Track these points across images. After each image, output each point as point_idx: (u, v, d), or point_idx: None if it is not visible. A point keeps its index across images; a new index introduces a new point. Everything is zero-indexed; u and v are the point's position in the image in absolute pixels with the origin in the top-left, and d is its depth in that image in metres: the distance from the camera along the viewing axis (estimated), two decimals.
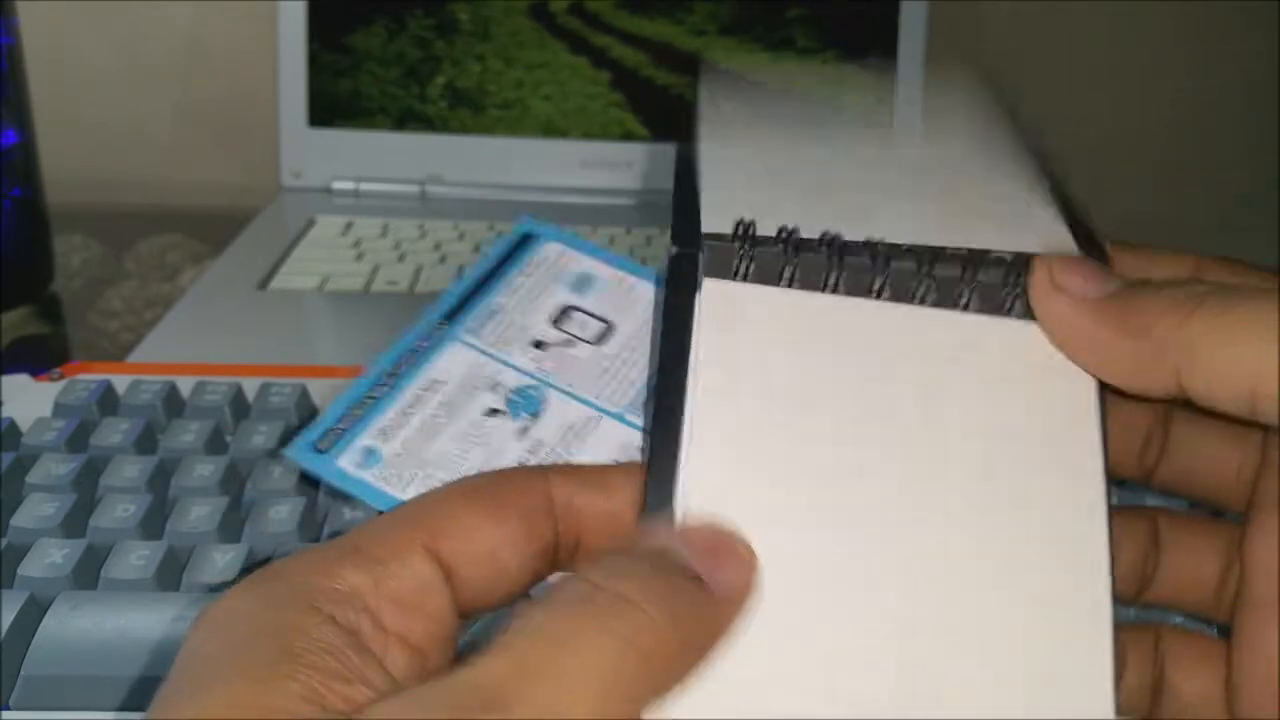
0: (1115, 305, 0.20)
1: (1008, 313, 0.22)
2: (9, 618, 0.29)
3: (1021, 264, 0.22)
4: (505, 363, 0.25)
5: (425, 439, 0.24)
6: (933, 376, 0.22)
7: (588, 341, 0.26)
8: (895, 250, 0.22)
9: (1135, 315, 0.20)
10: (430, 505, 0.20)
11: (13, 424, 0.38)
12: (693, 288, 0.22)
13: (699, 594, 0.17)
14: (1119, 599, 0.20)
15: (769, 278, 0.22)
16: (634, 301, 0.26)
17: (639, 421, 0.24)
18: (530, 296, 0.26)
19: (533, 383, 0.25)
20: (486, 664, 0.16)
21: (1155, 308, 0.20)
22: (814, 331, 0.22)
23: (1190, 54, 0.84)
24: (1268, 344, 0.18)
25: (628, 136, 0.73)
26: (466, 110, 0.73)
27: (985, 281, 0.22)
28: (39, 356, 0.52)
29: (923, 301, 0.22)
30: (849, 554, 0.20)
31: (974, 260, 0.22)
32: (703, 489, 0.20)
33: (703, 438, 0.20)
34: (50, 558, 0.31)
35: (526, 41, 0.73)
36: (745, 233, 0.22)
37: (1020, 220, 0.23)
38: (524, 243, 0.28)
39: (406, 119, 0.73)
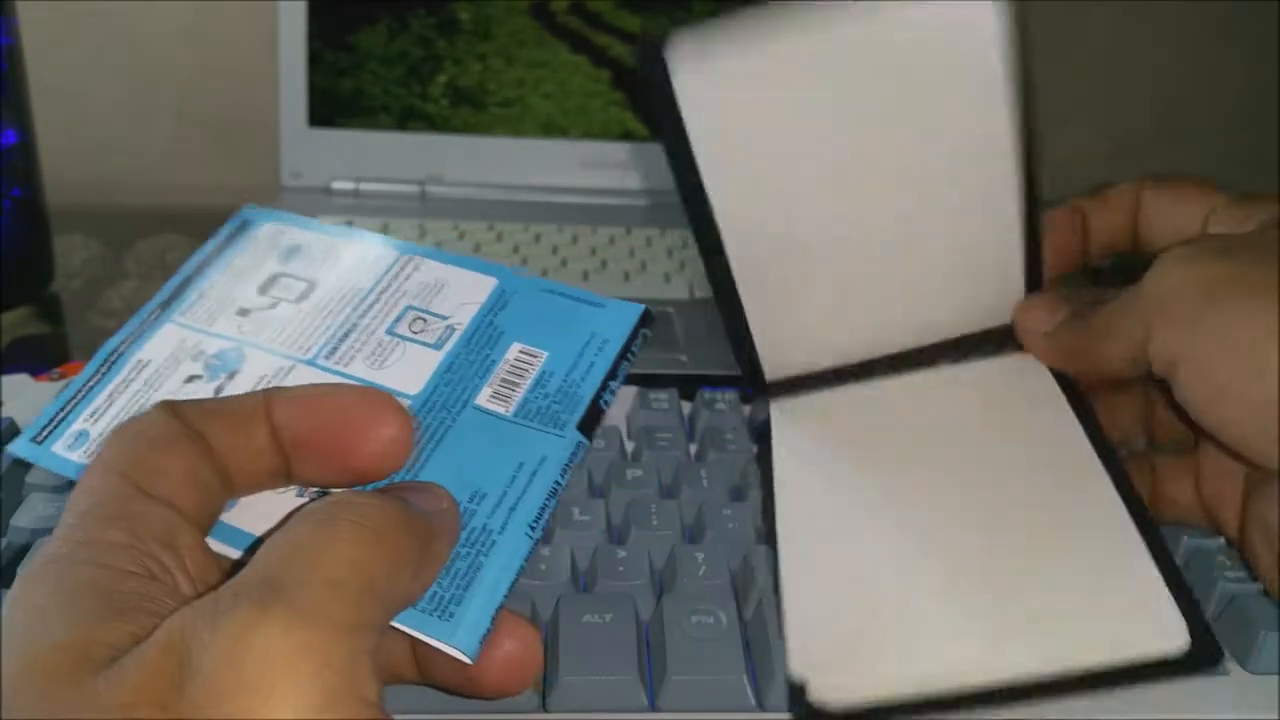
0: (1059, 333, 0.32)
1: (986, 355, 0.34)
2: None
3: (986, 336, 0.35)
4: (209, 334, 0.27)
5: (129, 414, 0.26)
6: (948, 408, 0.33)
7: (290, 301, 0.27)
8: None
9: (1068, 336, 0.32)
10: (119, 458, 0.21)
11: (13, 424, 0.38)
12: None
13: (409, 505, 0.21)
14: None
15: None
16: (336, 258, 0.28)
17: (328, 364, 0.26)
18: (242, 273, 0.28)
19: (232, 345, 0.27)
20: (256, 565, 0.18)
21: (1073, 327, 0.32)
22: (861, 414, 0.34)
23: (1190, 54, 0.84)
24: (1136, 327, 0.29)
25: (627, 135, 0.73)
26: (468, 108, 0.73)
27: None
28: (39, 356, 0.52)
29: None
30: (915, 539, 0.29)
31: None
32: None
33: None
34: None
35: (527, 40, 0.73)
36: None
37: (992, 289, 0.34)
38: (242, 228, 0.30)
39: (409, 117, 0.73)
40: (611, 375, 0.25)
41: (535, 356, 0.26)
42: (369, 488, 0.23)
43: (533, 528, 0.23)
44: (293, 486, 0.23)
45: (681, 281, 0.61)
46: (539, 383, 0.25)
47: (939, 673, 0.26)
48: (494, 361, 0.26)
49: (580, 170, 0.74)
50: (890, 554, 0.29)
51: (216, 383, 0.26)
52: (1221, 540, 0.34)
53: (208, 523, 0.22)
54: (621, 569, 0.32)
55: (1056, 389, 0.32)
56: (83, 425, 0.26)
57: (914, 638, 0.27)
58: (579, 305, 0.27)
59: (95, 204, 0.76)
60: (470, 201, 0.72)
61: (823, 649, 0.27)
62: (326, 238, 0.29)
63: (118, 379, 0.27)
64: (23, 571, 0.19)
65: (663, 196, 0.73)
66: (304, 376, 0.26)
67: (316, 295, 0.27)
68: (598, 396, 0.25)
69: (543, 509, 0.23)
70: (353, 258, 0.28)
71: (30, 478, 0.35)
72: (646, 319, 0.26)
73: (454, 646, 0.21)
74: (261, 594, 0.17)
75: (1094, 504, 0.29)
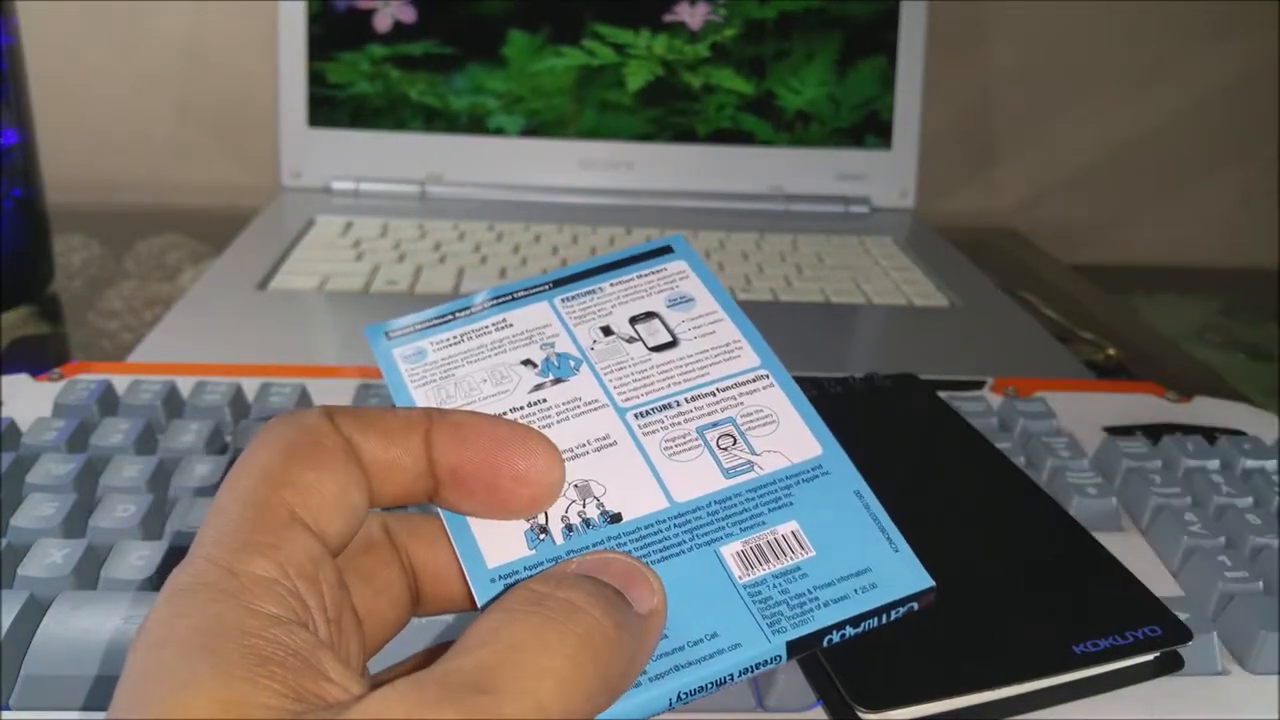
0: None
1: None
2: (9, 618, 0.29)
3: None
4: (568, 331, 0.27)
5: (464, 360, 0.26)
6: None
7: (647, 346, 0.27)
8: None
9: None
10: (276, 466, 0.20)
11: (13, 424, 0.38)
12: None
13: (629, 606, 0.20)
14: None
15: None
16: (710, 333, 0.27)
17: (632, 423, 0.25)
18: (632, 294, 0.28)
19: (577, 355, 0.26)
20: (464, 661, 0.17)
21: None
22: None
23: (1191, 54, 0.84)
24: None
25: (628, 136, 0.73)
26: (469, 108, 0.73)
27: None
28: (39, 356, 0.52)
29: None
30: None
31: None
32: None
33: None
34: (50, 558, 0.31)
35: (528, 38, 0.73)
36: None
37: None
38: (660, 252, 0.29)
39: (409, 117, 0.73)
40: (855, 623, 0.22)
41: (802, 549, 0.23)
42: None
43: (680, 698, 0.21)
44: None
45: None
46: (787, 574, 0.22)
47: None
48: (764, 524, 0.23)
49: (580, 170, 0.74)
50: None
51: (544, 380, 0.25)
52: (1221, 540, 0.34)
53: (340, 550, 0.21)
54: None
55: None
56: (426, 346, 0.26)
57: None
58: (877, 532, 0.23)
59: (95, 204, 0.76)
60: (470, 201, 0.72)
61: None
62: (717, 308, 0.27)
63: (478, 325, 0.27)
64: (170, 590, 0.18)
65: (662, 197, 0.73)
66: (605, 419, 0.25)
67: (669, 354, 0.26)
68: (827, 631, 0.22)
69: (700, 689, 0.21)
70: (723, 341, 0.27)
71: (31, 477, 0.35)
72: (926, 596, 0.22)
73: None
74: (472, 704, 0.16)
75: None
